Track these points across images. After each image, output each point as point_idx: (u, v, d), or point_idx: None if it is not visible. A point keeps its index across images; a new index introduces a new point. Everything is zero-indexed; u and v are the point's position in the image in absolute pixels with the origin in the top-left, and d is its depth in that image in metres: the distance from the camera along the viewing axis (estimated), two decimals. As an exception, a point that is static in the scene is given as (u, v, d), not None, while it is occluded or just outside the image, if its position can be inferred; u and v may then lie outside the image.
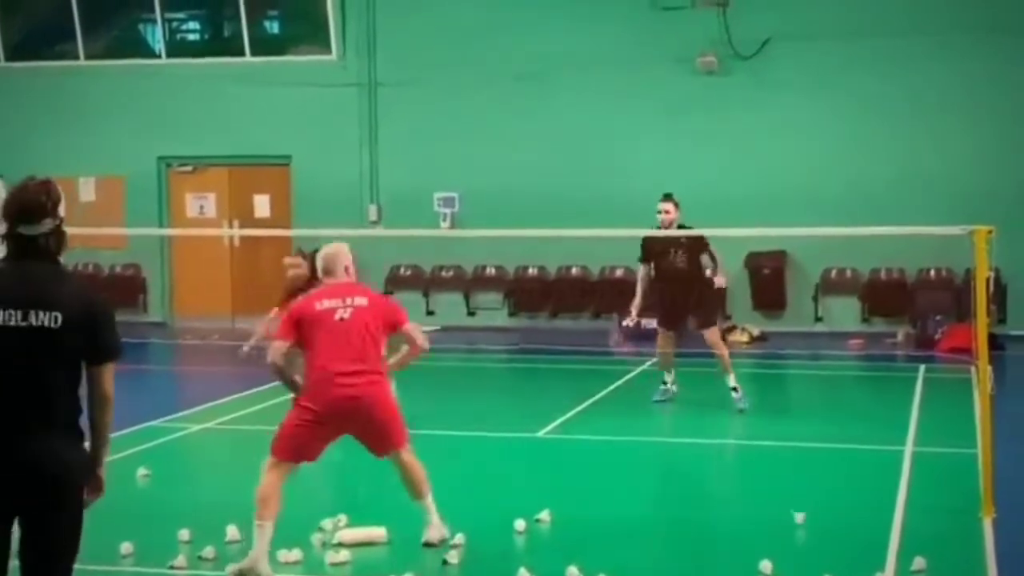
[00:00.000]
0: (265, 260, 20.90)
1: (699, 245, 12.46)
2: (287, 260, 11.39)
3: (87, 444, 4.91)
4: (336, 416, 7.15)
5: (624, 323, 18.86)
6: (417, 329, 7.56)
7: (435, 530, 7.56)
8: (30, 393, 4.72)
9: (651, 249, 12.63)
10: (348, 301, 7.31)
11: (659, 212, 12.47)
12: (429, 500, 7.56)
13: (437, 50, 19.86)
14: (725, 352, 12.51)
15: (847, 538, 7.86)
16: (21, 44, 21.73)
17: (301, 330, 7.25)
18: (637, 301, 12.74)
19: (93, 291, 4.94)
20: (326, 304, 7.32)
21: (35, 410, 4.74)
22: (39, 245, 4.80)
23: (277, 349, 7.26)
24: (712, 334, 12.49)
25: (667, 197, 12.63)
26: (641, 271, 12.83)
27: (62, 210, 4.87)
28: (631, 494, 9.22)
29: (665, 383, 12.77)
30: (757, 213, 17.08)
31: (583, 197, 18.71)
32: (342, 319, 7.23)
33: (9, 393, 4.73)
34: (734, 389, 12.30)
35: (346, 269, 7.56)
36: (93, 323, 4.80)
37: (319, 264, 7.65)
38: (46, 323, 4.70)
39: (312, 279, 10.94)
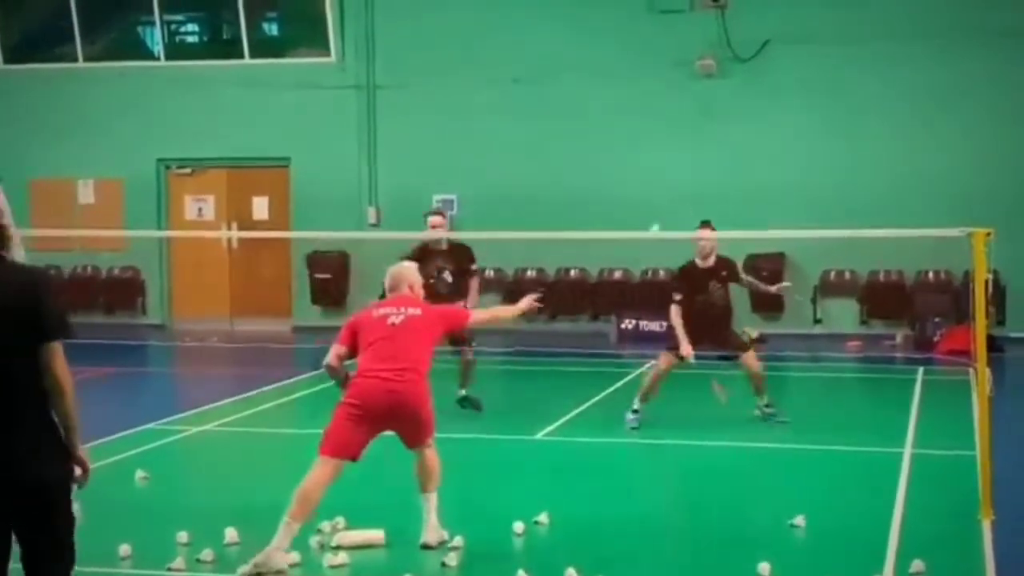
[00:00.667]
0: (264, 262, 20.95)
1: (735, 274, 12.08)
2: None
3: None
4: (379, 411, 7.36)
5: (622, 325, 18.93)
6: (479, 313, 8.38)
7: (433, 532, 7.59)
8: None
9: (688, 282, 11.75)
10: (403, 310, 7.71)
11: (698, 240, 11.68)
12: (434, 497, 7.67)
13: (436, 53, 19.87)
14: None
15: (846, 540, 7.86)
16: (19, 46, 21.72)
17: (357, 337, 7.63)
18: (684, 338, 11.39)
19: (32, 275, 4.94)
20: (382, 312, 7.76)
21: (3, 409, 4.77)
22: None
23: (335, 353, 7.63)
24: (750, 357, 11.85)
25: (705, 223, 11.82)
26: (674, 311, 11.53)
27: None
28: (630, 496, 9.22)
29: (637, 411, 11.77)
30: (756, 215, 17.09)
31: (581, 199, 18.72)
32: (393, 324, 7.60)
33: None
34: (768, 406, 11.85)
35: (411, 287, 7.95)
36: (31, 306, 4.80)
37: (386, 281, 8.10)
38: None
39: None
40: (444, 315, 8.02)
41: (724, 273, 11.91)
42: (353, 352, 7.63)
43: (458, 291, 12.09)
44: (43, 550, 4.88)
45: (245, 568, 7.07)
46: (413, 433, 7.60)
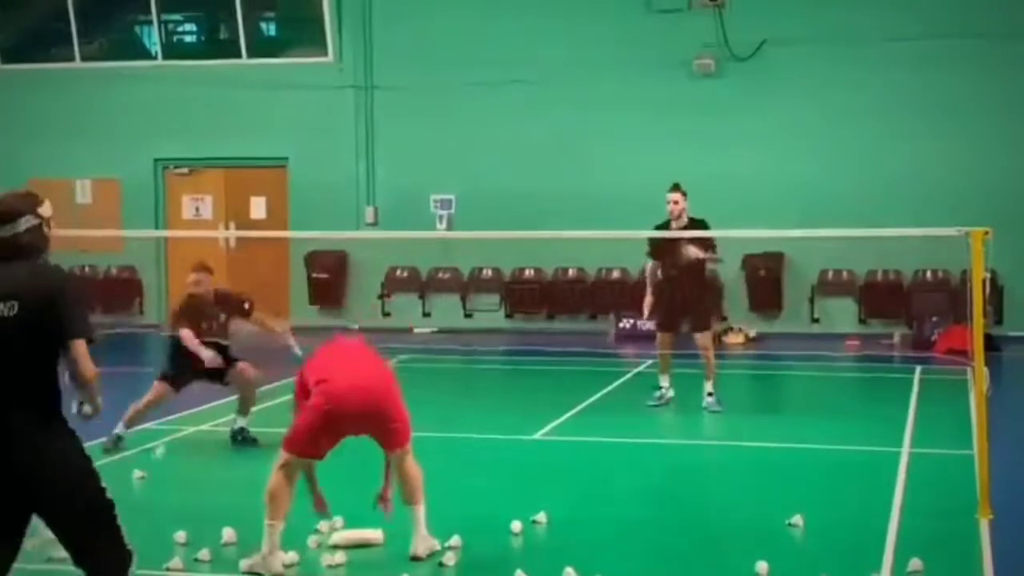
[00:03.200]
0: (262, 262, 20.94)
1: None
2: (191, 277, 11.32)
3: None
4: (349, 411, 7.21)
5: (621, 324, 18.93)
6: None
7: (422, 543, 7.38)
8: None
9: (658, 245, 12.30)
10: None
11: (667, 203, 12.18)
12: (421, 509, 7.43)
13: (433, 52, 19.87)
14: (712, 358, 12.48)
15: (843, 539, 7.86)
16: (17, 47, 21.73)
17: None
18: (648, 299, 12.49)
19: (57, 276, 5.16)
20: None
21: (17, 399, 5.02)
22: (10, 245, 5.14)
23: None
24: (705, 338, 12.44)
25: (675, 187, 12.34)
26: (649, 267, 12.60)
27: (43, 211, 5.22)
28: (627, 495, 9.22)
29: (661, 387, 12.71)
30: (754, 214, 17.10)
31: (579, 199, 18.72)
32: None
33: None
34: (710, 394, 12.38)
35: None
36: (53, 306, 5.03)
37: None
38: (4, 312, 5.00)
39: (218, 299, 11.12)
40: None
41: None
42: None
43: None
44: (93, 546, 5.13)
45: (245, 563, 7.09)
46: (384, 435, 7.36)
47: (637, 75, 19.28)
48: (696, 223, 12.08)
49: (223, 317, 11.31)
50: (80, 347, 5.06)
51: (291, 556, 7.32)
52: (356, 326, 7.63)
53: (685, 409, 12.62)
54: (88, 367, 5.07)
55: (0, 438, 4.98)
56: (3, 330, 4.99)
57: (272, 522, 7.07)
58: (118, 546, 5.20)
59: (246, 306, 11.49)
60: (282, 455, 7.22)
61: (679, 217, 12.14)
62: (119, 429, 10.63)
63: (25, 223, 5.13)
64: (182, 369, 11.08)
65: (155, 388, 10.92)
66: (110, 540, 5.18)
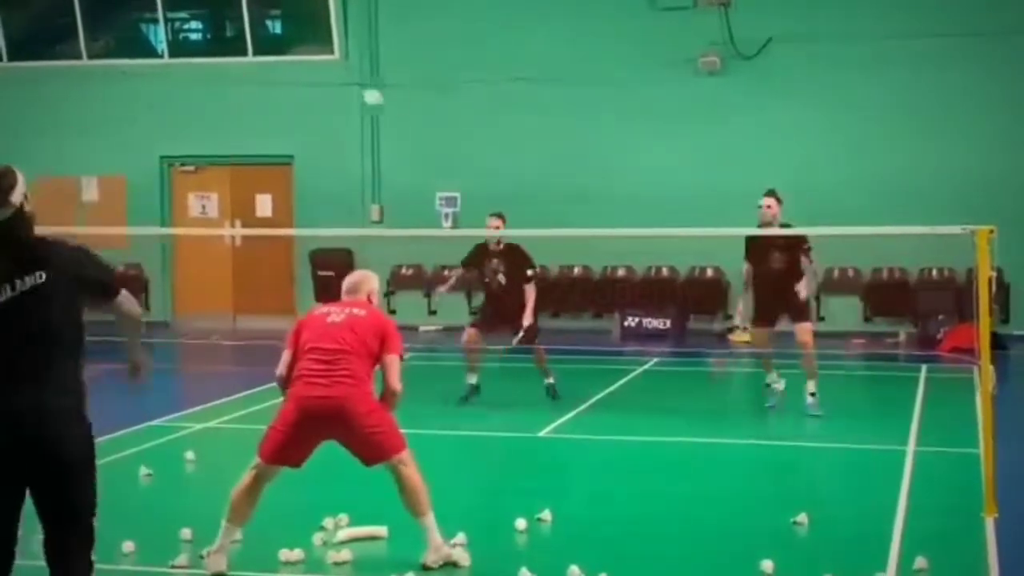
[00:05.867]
0: (267, 260, 20.97)
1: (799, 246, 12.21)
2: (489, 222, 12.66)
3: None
4: (309, 418, 7.03)
5: (625, 323, 18.91)
6: (396, 366, 7.17)
7: (434, 553, 7.16)
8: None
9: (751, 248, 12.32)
10: (347, 311, 7.28)
11: (759, 207, 12.17)
12: (429, 519, 7.20)
13: (439, 50, 19.88)
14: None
15: (849, 538, 7.86)
16: (23, 43, 21.74)
17: (300, 337, 7.26)
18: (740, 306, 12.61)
19: (73, 244, 5.35)
20: (324, 309, 7.40)
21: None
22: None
23: (285, 360, 7.23)
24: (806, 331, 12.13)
25: (770, 192, 12.39)
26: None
27: (14, 198, 5.20)
28: (632, 494, 9.21)
29: (768, 384, 12.44)
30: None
31: (584, 196, 18.72)
32: (333, 322, 7.20)
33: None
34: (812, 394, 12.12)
35: (370, 295, 7.47)
36: (83, 268, 5.24)
37: (344, 284, 7.55)
38: (33, 283, 5.06)
39: None
40: (388, 328, 7.22)
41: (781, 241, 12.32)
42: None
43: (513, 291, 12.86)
44: (60, 522, 5.01)
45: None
46: (361, 446, 7.12)
47: (642, 73, 19.27)
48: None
49: (501, 270, 12.47)
50: (123, 294, 5.35)
51: (297, 553, 7.33)
52: None
53: (687, 408, 12.62)
54: (136, 306, 5.44)
55: (26, 411, 4.93)
56: (31, 300, 4.99)
57: (227, 523, 7.08)
58: (87, 552, 5.09)
59: (529, 272, 12.60)
60: (255, 458, 7.16)
61: (772, 223, 12.28)
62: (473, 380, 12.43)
63: (2, 214, 5.10)
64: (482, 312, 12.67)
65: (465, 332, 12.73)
66: (83, 543, 5.08)
